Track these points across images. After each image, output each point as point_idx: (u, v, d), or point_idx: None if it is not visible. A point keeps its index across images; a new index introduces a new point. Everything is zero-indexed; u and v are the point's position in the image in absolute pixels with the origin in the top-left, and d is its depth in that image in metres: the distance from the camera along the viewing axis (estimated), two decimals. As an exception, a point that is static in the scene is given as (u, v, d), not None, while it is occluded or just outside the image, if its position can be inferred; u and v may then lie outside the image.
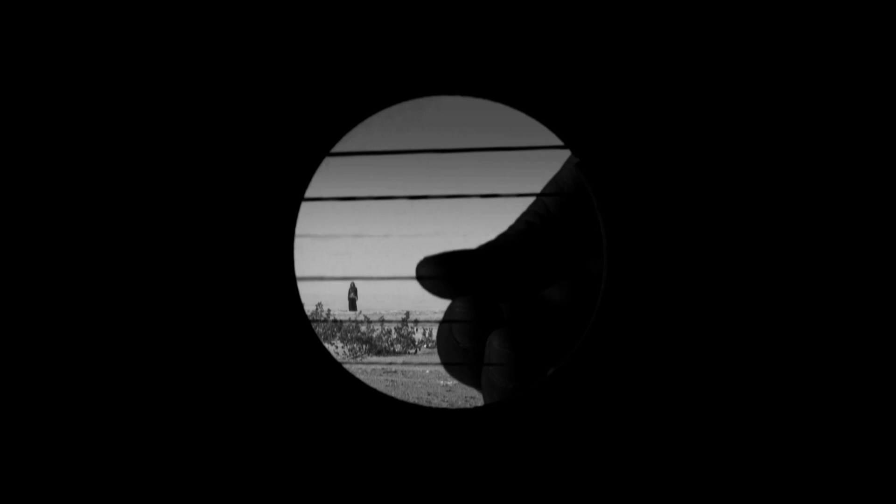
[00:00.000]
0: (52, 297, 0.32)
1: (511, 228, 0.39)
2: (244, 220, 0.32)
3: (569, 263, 0.38)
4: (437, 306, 0.40)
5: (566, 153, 0.38)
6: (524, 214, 0.39)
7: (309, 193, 0.32)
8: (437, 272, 0.37)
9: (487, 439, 0.31)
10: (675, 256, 0.31)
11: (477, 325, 0.36)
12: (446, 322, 0.37)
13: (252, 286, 0.32)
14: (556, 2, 0.31)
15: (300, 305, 0.32)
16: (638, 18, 0.31)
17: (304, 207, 0.33)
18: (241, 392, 0.32)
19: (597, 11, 0.31)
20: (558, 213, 0.38)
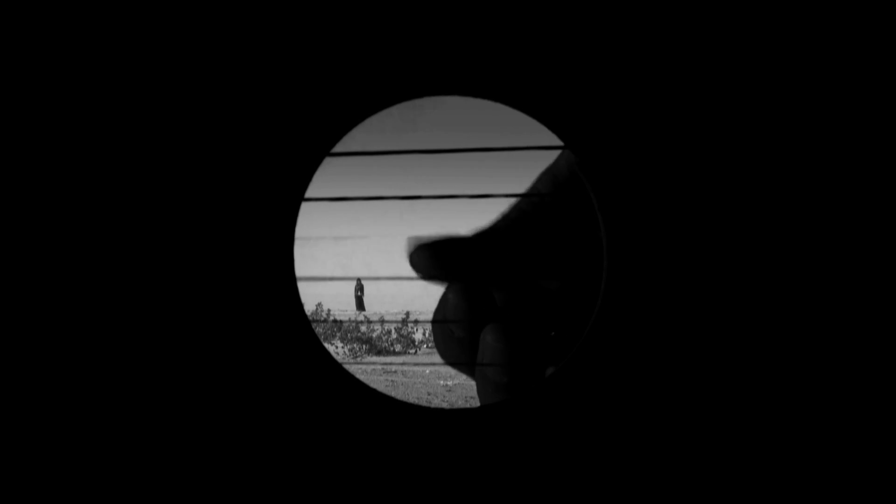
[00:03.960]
0: (53, 298, 0.32)
1: (503, 216, 0.38)
2: (245, 220, 0.32)
3: (563, 250, 0.38)
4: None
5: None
6: (517, 202, 0.39)
7: (309, 193, 0.32)
8: (430, 258, 0.36)
9: (487, 439, 0.31)
10: (674, 256, 0.31)
11: (471, 315, 0.36)
12: (440, 315, 0.37)
13: (252, 286, 0.32)
14: (556, 2, 0.31)
15: (300, 305, 0.32)
16: (637, 19, 0.31)
17: (304, 207, 0.33)
18: (242, 392, 0.32)
19: (596, 11, 0.31)
20: (551, 200, 0.38)
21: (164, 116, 0.32)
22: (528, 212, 0.38)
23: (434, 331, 0.39)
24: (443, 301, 0.37)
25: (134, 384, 0.32)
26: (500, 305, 0.38)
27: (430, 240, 0.37)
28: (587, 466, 0.31)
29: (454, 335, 0.37)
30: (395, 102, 0.32)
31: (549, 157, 0.38)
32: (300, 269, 0.33)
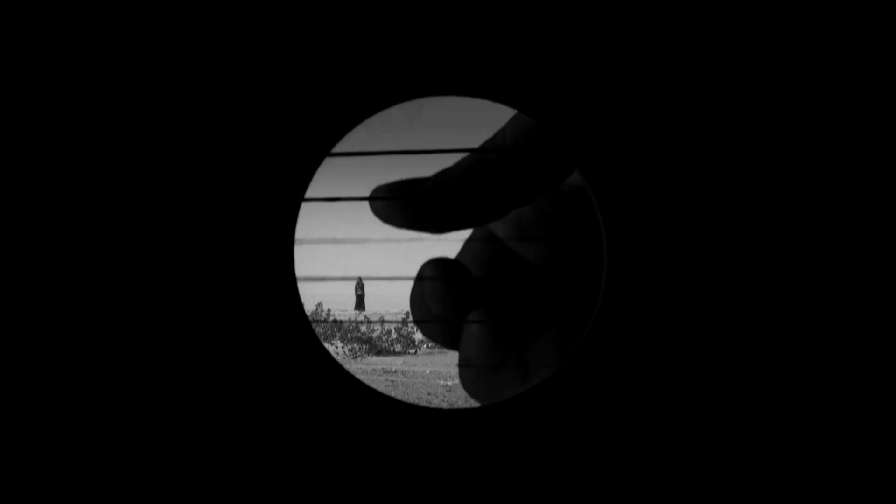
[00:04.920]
0: (53, 299, 0.32)
1: (458, 162, 0.37)
2: (244, 220, 0.32)
3: (534, 186, 0.37)
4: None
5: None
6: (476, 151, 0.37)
7: (309, 194, 0.32)
8: (390, 200, 0.36)
9: (487, 439, 0.31)
10: (675, 256, 0.31)
11: (449, 291, 0.36)
12: (417, 293, 0.37)
13: (252, 287, 0.32)
14: (556, 2, 0.31)
15: (300, 306, 0.32)
16: (638, 19, 0.31)
17: (304, 208, 0.33)
18: (242, 392, 0.32)
19: (596, 12, 0.31)
20: (513, 145, 0.36)
21: (164, 117, 0.32)
22: (489, 161, 0.37)
23: (412, 305, 0.39)
24: (419, 276, 0.37)
25: (134, 384, 0.32)
26: (479, 277, 0.38)
27: (391, 182, 0.37)
28: (587, 466, 0.31)
29: (432, 311, 0.37)
30: (395, 102, 0.32)
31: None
32: (300, 269, 0.33)
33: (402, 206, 0.36)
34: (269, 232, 0.32)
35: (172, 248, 0.32)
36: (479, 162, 0.36)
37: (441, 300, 0.37)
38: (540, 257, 0.39)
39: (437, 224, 0.36)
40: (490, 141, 0.37)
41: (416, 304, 0.38)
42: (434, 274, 0.37)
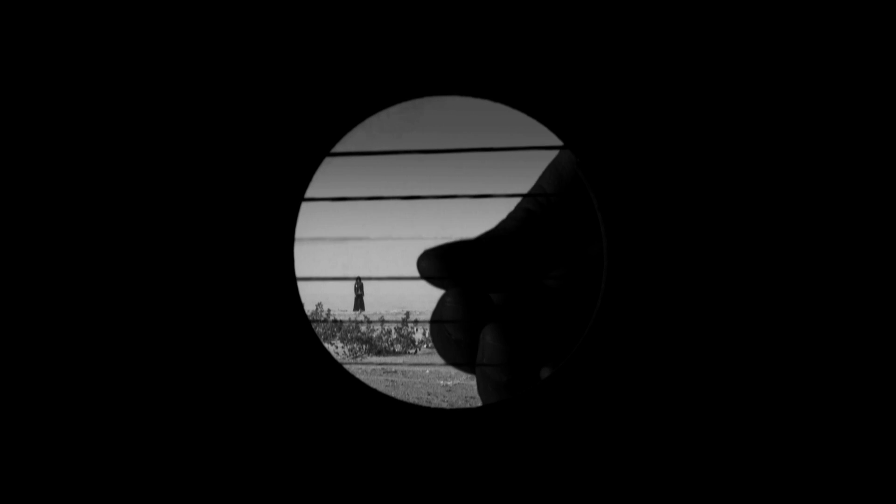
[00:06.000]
0: (54, 299, 0.32)
1: (510, 217, 0.38)
2: (245, 220, 0.32)
3: (569, 248, 0.38)
4: (438, 306, 0.40)
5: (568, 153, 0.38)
6: (522, 202, 0.38)
7: (309, 193, 0.32)
8: (439, 266, 0.36)
9: (487, 439, 0.31)
10: (675, 256, 0.31)
11: (468, 317, 0.36)
12: (438, 317, 0.37)
13: (252, 286, 0.32)
14: (556, 2, 0.31)
15: (300, 306, 0.32)
16: (637, 19, 0.31)
17: (304, 207, 0.33)
18: (242, 392, 0.32)
19: (596, 11, 0.31)
20: (557, 199, 0.37)
21: (164, 117, 0.32)
22: (533, 211, 0.38)
23: (433, 333, 0.39)
24: (440, 304, 0.37)
25: (134, 384, 0.32)
26: (499, 304, 0.38)
27: (438, 245, 0.37)
28: (587, 466, 0.31)
29: (451, 338, 0.37)
30: (395, 102, 0.32)
31: (550, 156, 0.38)
32: (300, 269, 0.33)
33: (452, 272, 0.36)
34: (269, 232, 0.32)
35: (173, 248, 0.32)
36: (531, 216, 0.37)
37: (460, 327, 0.37)
38: (558, 280, 0.39)
39: (489, 286, 0.37)
40: (533, 195, 0.37)
41: (436, 329, 0.38)
42: (453, 301, 0.37)
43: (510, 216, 0.38)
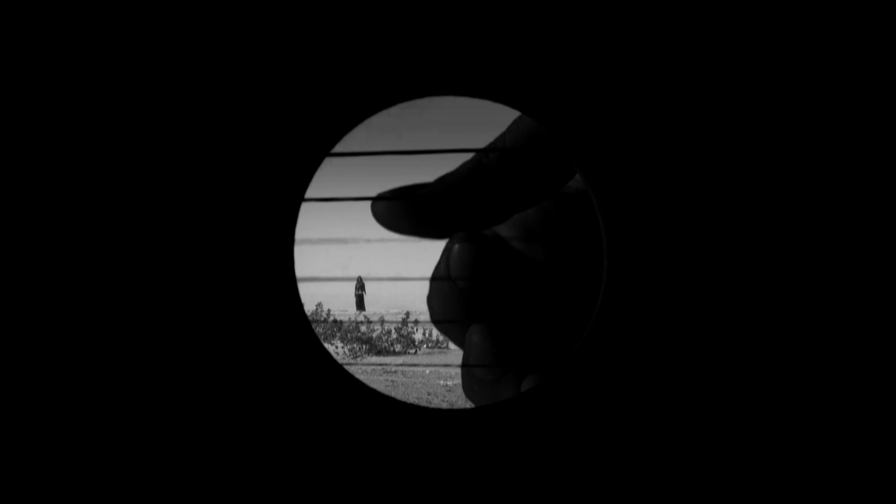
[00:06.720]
0: (53, 299, 0.32)
1: (462, 165, 0.37)
2: (244, 221, 0.32)
3: (535, 190, 0.37)
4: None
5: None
6: (476, 156, 0.37)
7: (309, 194, 0.32)
8: (392, 207, 0.36)
9: (487, 440, 0.31)
10: (675, 257, 0.31)
11: (477, 266, 0.36)
12: (442, 268, 0.36)
13: (252, 287, 0.32)
14: (556, 2, 0.31)
15: (300, 306, 0.32)
16: (638, 19, 0.31)
17: (305, 208, 0.33)
18: (242, 392, 0.32)
19: (596, 12, 0.31)
20: (514, 147, 0.36)
21: (164, 117, 0.32)
22: (490, 165, 0.37)
23: (434, 290, 0.38)
24: (446, 252, 0.36)
25: (133, 384, 0.32)
26: (497, 235, 0.37)
27: (393, 189, 0.37)
28: (587, 467, 0.31)
29: (457, 286, 0.37)
30: (395, 102, 0.32)
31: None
32: (300, 269, 0.33)
33: (405, 211, 0.36)
34: (269, 232, 0.32)
35: (173, 248, 0.32)
36: (481, 165, 0.36)
37: (465, 264, 0.36)
38: (545, 258, 0.39)
39: (439, 228, 0.36)
40: (491, 145, 0.37)
41: (437, 291, 0.37)
42: (463, 238, 0.36)
43: (460, 166, 0.37)
